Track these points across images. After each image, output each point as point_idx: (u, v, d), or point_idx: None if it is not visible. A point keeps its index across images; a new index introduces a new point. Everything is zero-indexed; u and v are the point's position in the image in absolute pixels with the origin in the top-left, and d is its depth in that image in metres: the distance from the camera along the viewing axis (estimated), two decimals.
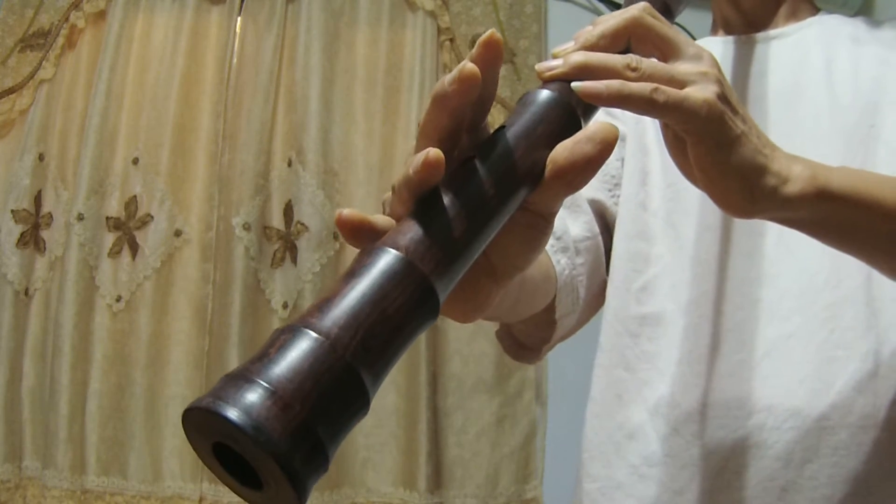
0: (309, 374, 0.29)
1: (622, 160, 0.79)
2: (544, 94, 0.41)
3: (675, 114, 0.43)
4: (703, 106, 0.43)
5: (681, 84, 0.43)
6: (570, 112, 0.41)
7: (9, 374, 1.67)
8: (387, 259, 0.33)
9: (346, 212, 0.36)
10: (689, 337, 0.68)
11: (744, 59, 0.75)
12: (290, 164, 1.76)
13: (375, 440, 1.70)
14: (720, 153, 0.44)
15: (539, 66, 0.43)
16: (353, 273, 0.32)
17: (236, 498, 1.85)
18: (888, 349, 0.62)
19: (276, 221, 1.75)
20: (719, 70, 0.46)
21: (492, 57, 0.37)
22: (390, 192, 0.38)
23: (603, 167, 0.78)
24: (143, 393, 1.66)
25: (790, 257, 0.66)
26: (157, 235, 1.71)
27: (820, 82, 0.71)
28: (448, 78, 0.36)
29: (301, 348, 0.29)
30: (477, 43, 0.37)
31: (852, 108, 0.68)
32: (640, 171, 0.76)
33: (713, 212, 0.69)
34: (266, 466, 0.28)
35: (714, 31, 0.82)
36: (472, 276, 0.40)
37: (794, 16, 0.76)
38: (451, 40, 1.84)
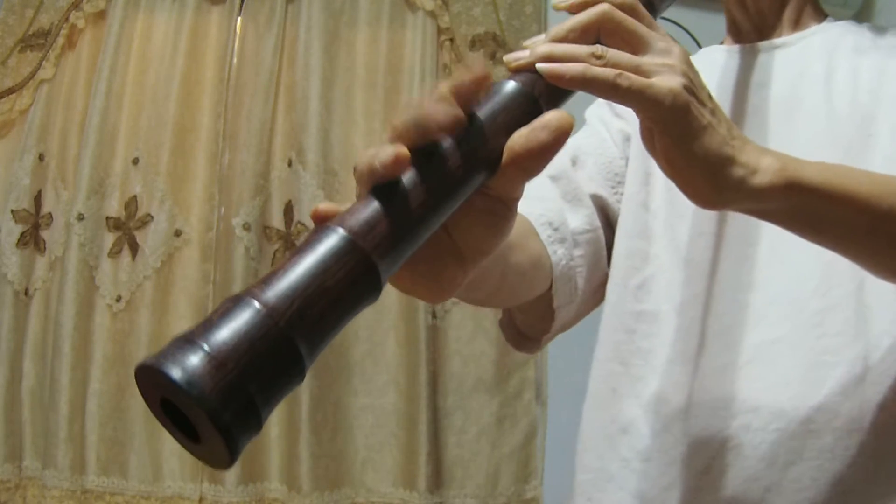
0: (244, 337, 0.31)
1: (626, 159, 0.80)
2: (510, 84, 0.42)
3: (639, 100, 0.43)
4: (668, 94, 0.43)
5: (646, 74, 0.44)
6: (532, 102, 0.42)
7: (9, 374, 1.67)
8: (331, 237, 0.35)
9: (323, 206, 0.38)
10: (681, 337, 0.69)
11: (745, 69, 0.75)
12: (290, 164, 1.76)
13: (375, 440, 1.71)
14: (685, 143, 0.45)
15: (507, 57, 0.44)
16: (300, 250, 0.35)
17: (236, 498, 1.84)
18: (877, 355, 0.63)
19: (277, 221, 1.75)
20: (688, 64, 0.46)
21: (478, 88, 0.39)
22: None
23: (607, 165, 0.79)
24: None
25: (781, 264, 0.67)
26: (157, 235, 1.71)
27: (819, 93, 0.71)
28: (432, 106, 0.37)
29: (241, 315, 0.32)
30: (469, 78, 0.39)
31: (850, 119, 0.69)
32: (643, 171, 0.76)
33: (707, 217, 0.70)
34: (201, 420, 0.31)
35: (726, 38, 0.82)
36: (437, 258, 0.41)
37: (799, 23, 0.76)
38: (451, 40, 1.84)
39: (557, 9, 0.47)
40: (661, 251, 0.73)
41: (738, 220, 0.69)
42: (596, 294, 0.78)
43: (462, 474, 1.73)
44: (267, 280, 0.33)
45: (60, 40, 1.75)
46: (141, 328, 1.68)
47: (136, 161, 1.73)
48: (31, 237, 1.73)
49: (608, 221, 0.79)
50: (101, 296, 1.68)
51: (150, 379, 0.32)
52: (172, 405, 0.32)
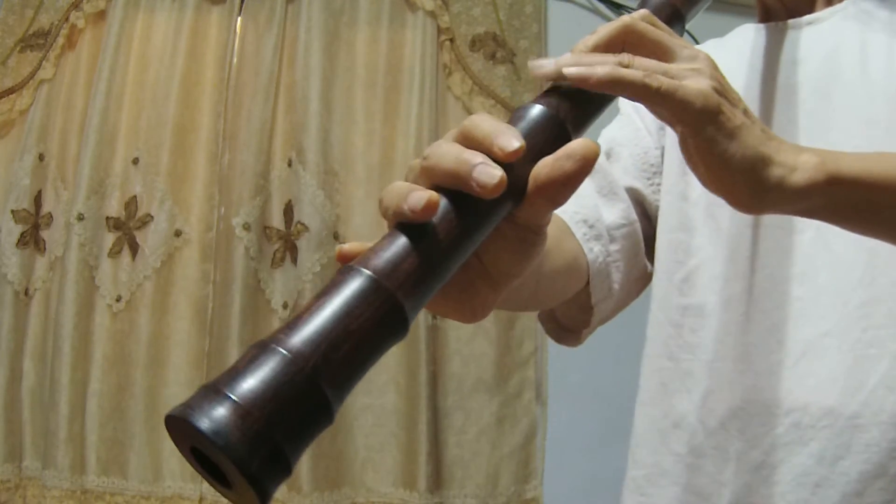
0: (270, 385, 0.31)
1: (662, 149, 0.79)
2: (536, 108, 0.41)
3: (670, 102, 0.43)
4: (699, 96, 0.43)
5: (675, 79, 0.44)
6: (559, 127, 0.41)
7: (9, 374, 1.67)
8: (355, 278, 0.35)
9: (347, 246, 0.38)
10: (731, 333, 0.69)
11: (774, 47, 0.74)
12: (290, 164, 1.76)
13: (375, 440, 1.71)
14: (721, 144, 0.44)
15: (531, 64, 0.43)
16: (324, 292, 0.35)
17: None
18: None
19: (277, 221, 1.75)
20: (715, 68, 0.46)
21: None
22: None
23: (642, 156, 0.79)
24: (143, 393, 1.66)
25: (827, 253, 0.66)
26: (157, 235, 1.71)
27: (854, 70, 0.70)
28: (480, 176, 0.36)
29: (266, 362, 0.32)
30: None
31: (886, 95, 0.68)
32: (680, 161, 0.75)
33: None
34: (230, 470, 0.31)
35: (759, 21, 0.80)
36: (468, 283, 0.41)
37: (831, 1, 0.75)
38: (451, 40, 1.84)
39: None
40: (705, 242, 0.73)
41: None
42: (635, 286, 0.78)
43: (462, 474, 1.73)
44: (292, 325, 0.33)
45: (60, 40, 1.75)
46: (141, 328, 1.68)
47: (136, 161, 1.73)
48: (31, 237, 1.73)
49: (645, 213, 0.78)
50: (101, 296, 1.68)
51: (179, 428, 0.32)
52: (202, 452, 0.33)
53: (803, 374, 0.65)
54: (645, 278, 0.78)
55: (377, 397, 1.71)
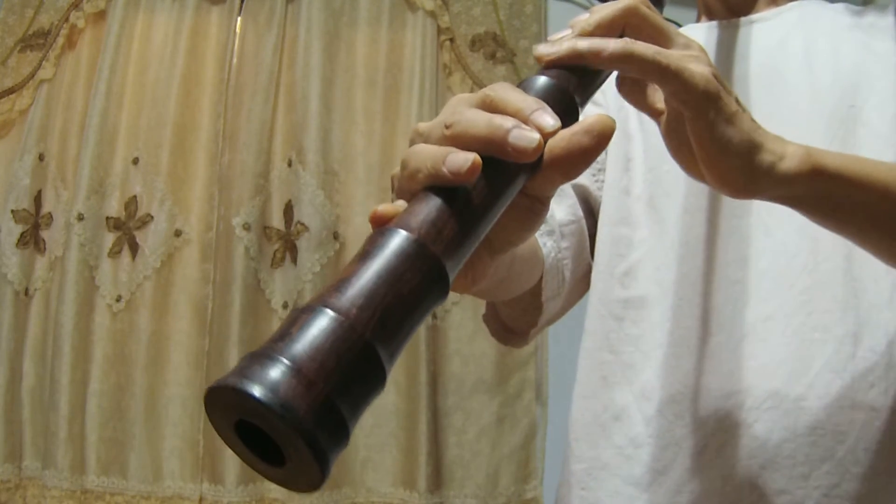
0: (331, 352, 0.30)
1: None
2: (542, 80, 0.41)
3: (677, 80, 0.44)
4: (702, 78, 0.44)
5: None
6: (568, 99, 0.41)
7: (9, 374, 1.67)
8: (399, 240, 0.33)
9: (382, 208, 0.37)
10: (672, 318, 0.70)
11: (727, 43, 0.76)
12: (290, 164, 1.76)
13: (375, 440, 1.71)
14: (719, 128, 0.46)
15: (537, 51, 0.43)
16: (367, 254, 0.33)
17: (236, 498, 1.83)
18: (867, 331, 0.63)
19: (276, 221, 1.75)
20: (708, 57, 0.47)
21: None
22: (399, 169, 0.38)
23: None
24: (143, 393, 1.66)
25: (767, 239, 0.67)
26: (157, 235, 1.71)
27: (800, 66, 0.71)
28: (518, 141, 0.36)
29: (321, 327, 0.30)
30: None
31: (832, 91, 0.69)
32: (623, 157, 0.77)
33: (697, 193, 0.71)
34: (291, 443, 0.29)
35: (698, 20, 0.83)
36: None
37: (775, 2, 0.77)
38: (451, 40, 1.84)
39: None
40: (647, 235, 0.73)
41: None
42: (580, 285, 0.79)
43: (462, 474, 1.73)
44: (339, 288, 0.32)
45: (60, 40, 1.75)
46: (141, 328, 1.68)
47: (136, 161, 1.73)
48: (31, 237, 1.73)
49: (590, 210, 0.79)
50: (101, 296, 1.68)
51: (228, 400, 0.29)
52: (247, 427, 0.30)
53: (745, 356, 0.65)
54: (589, 276, 0.79)
55: (377, 397, 1.71)
